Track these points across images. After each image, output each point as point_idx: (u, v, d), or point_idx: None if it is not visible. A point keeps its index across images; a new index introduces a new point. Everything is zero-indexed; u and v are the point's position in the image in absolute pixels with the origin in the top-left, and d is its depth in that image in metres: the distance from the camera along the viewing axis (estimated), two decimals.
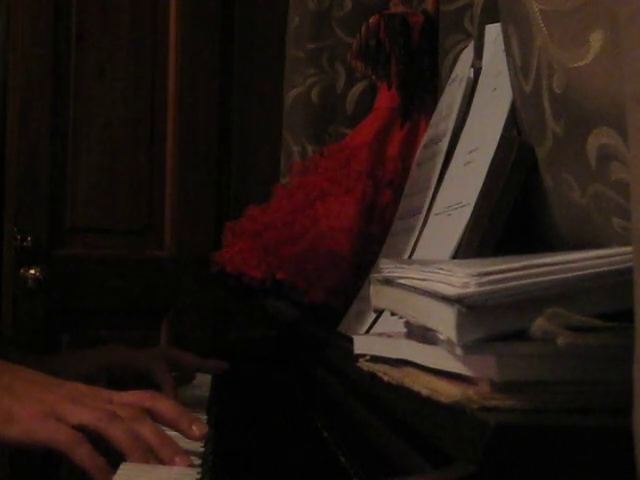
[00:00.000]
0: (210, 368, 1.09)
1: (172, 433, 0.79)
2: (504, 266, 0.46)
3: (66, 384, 0.83)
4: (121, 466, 0.74)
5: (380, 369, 0.59)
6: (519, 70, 0.68)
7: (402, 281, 0.56)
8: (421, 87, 1.16)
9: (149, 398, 0.81)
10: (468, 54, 0.97)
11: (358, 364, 0.64)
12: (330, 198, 1.08)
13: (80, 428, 0.75)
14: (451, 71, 1.03)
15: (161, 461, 0.74)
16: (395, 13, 1.19)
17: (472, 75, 0.94)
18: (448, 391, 0.47)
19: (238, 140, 2.27)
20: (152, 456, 0.74)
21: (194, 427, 0.78)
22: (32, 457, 2.03)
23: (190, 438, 0.78)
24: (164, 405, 0.80)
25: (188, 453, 0.76)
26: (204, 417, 0.93)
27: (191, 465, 0.75)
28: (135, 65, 2.20)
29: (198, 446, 0.80)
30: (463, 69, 0.97)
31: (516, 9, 0.66)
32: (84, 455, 0.74)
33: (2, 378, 0.80)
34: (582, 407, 0.44)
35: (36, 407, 0.77)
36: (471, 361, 0.46)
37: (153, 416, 0.79)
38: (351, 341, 0.67)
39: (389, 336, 0.61)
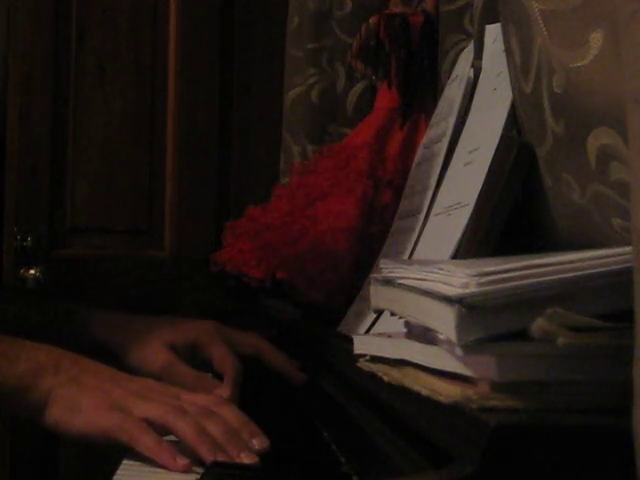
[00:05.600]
0: (291, 377, 1.00)
1: None
2: (504, 266, 0.46)
3: (135, 379, 0.82)
4: (121, 466, 0.74)
5: (380, 369, 0.59)
6: (519, 70, 0.68)
7: (402, 281, 0.56)
8: (421, 87, 1.16)
9: (217, 403, 0.80)
10: (468, 54, 0.97)
11: (358, 364, 0.64)
12: (330, 198, 1.08)
13: (146, 421, 0.75)
14: (451, 71, 1.03)
15: (228, 457, 0.74)
16: (395, 13, 1.19)
17: (472, 75, 0.94)
18: (448, 391, 0.47)
19: (238, 140, 2.27)
20: (219, 451, 0.74)
21: (254, 440, 0.77)
22: (32, 458, 2.03)
23: (250, 449, 0.76)
24: (230, 412, 0.79)
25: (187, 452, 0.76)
26: None
27: (255, 463, 0.74)
28: (135, 65, 2.20)
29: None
30: (463, 69, 0.97)
31: (516, 9, 0.66)
32: (149, 442, 0.73)
33: (71, 370, 0.80)
34: (582, 407, 0.44)
35: (102, 399, 0.77)
36: (471, 361, 0.46)
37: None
38: (351, 341, 0.67)
39: (389, 336, 0.61)
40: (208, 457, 0.73)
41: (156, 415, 0.75)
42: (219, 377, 0.98)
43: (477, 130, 0.86)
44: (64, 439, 0.79)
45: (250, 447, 0.76)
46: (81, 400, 0.77)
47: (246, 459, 0.74)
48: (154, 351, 0.97)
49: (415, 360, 0.54)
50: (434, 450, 0.48)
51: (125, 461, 0.75)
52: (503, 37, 0.74)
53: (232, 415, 0.79)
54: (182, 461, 0.72)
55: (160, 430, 0.75)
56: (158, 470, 0.73)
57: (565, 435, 0.42)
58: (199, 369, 0.98)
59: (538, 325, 0.42)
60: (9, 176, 2.10)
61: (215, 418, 0.77)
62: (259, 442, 0.77)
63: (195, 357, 0.99)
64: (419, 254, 0.88)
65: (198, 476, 0.72)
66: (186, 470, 0.72)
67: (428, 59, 1.15)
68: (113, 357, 0.98)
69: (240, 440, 0.76)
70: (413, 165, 1.05)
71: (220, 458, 0.73)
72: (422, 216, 0.92)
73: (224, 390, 0.93)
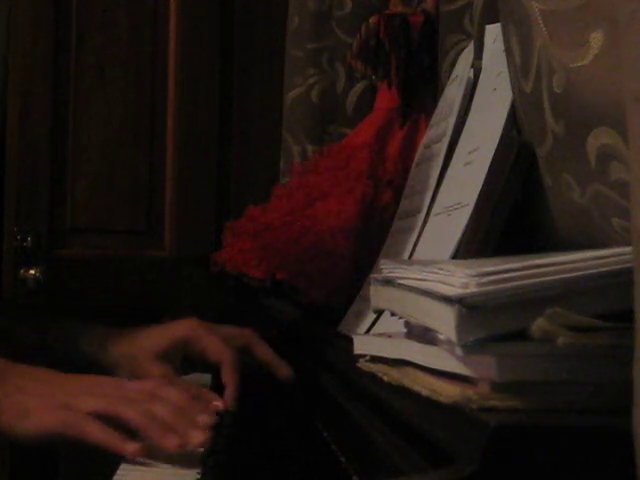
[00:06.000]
0: (278, 372, 1.00)
1: None
2: (504, 266, 0.46)
3: (76, 377, 0.84)
4: (121, 466, 0.74)
5: (380, 369, 0.59)
6: (519, 70, 0.68)
7: (402, 281, 0.56)
8: (421, 87, 1.16)
9: (161, 386, 0.82)
10: (468, 54, 0.97)
11: (358, 364, 0.64)
12: (330, 198, 1.08)
13: (94, 415, 0.76)
14: (451, 71, 1.03)
15: (179, 436, 0.74)
16: (395, 13, 1.19)
17: (472, 75, 0.94)
18: (448, 391, 0.47)
19: (238, 140, 2.27)
20: (170, 432, 0.75)
21: (200, 417, 0.78)
22: (32, 458, 2.03)
23: (198, 426, 0.77)
24: (174, 393, 0.80)
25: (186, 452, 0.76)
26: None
27: (206, 439, 0.75)
28: (135, 65, 2.20)
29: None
30: (463, 69, 0.97)
31: (516, 9, 0.66)
32: (96, 431, 0.74)
33: (16, 379, 0.81)
34: (582, 407, 0.44)
35: (48, 401, 0.78)
36: (471, 361, 0.46)
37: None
38: (351, 341, 0.67)
39: (389, 336, 0.61)
40: (160, 439, 0.74)
41: (102, 407, 0.77)
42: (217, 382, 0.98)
43: (477, 130, 0.86)
44: (18, 445, 0.80)
45: (197, 424, 0.77)
46: (28, 405, 0.78)
47: (196, 437, 0.75)
48: (146, 367, 0.97)
49: (415, 360, 0.54)
50: (434, 450, 0.48)
51: (125, 462, 0.76)
52: (503, 37, 0.74)
53: (177, 395, 0.80)
54: (132, 446, 0.73)
55: (110, 422, 0.76)
56: (158, 470, 0.74)
57: (565, 435, 0.42)
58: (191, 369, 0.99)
59: (538, 325, 0.42)
60: (9, 176, 2.09)
61: (161, 401, 0.78)
62: (206, 418, 0.78)
63: (187, 358, 0.99)
64: (419, 254, 0.88)
65: (198, 476, 0.72)
66: (136, 454, 0.73)
67: (428, 59, 1.15)
68: (105, 374, 0.98)
69: (187, 417, 0.77)
70: (413, 165, 1.05)
71: (171, 438, 0.74)
72: (422, 216, 0.92)
73: (227, 377, 0.94)
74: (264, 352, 1.01)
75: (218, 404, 0.83)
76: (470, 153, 0.84)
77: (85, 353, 1.02)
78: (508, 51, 0.72)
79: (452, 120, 0.93)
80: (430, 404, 0.48)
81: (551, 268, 0.46)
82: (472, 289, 0.45)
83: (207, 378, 1.12)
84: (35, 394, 0.79)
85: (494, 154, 0.75)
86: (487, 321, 0.44)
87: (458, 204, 0.80)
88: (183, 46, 2.22)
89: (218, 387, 1.06)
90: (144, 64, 2.20)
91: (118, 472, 0.73)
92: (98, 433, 0.74)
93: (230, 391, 0.94)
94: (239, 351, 0.99)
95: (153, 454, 0.75)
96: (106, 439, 0.74)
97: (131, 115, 2.19)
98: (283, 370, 0.99)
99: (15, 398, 0.79)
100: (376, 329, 0.84)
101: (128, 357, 0.99)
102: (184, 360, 0.99)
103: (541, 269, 0.46)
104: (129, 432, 0.76)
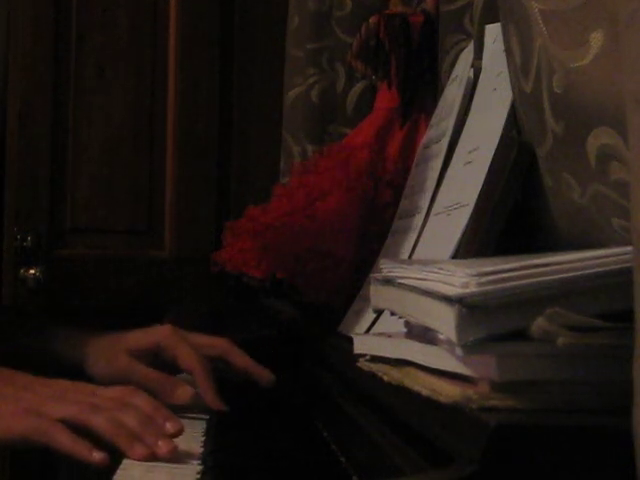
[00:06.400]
0: (260, 378, 0.97)
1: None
2: (504, 266, 0.46)
3: (48, 382, 0.83)
4: (121, 465, 0.74)
5: (380, 369, 0.59)
6: (519, 70, 0.68)
7: (402, 281, 0.56)
8: (421, 87, 1.16)
9: (129, 393, 0.82)
10: (468, 54, 0.97)
11: (358, 364, 0.64)
12: (330, 198, 1.08)
13: (62, 422, 0.76)
14: (451, 71, 1.03)
15: (146, 446, 0.75)
16: (395, 13, 1.19)
17: (472, 75, 0.94)
18: (448, 391, 0.47)
19: (238, 140, 2.27)
20: (137, 441, 0.75)
21: (168, 424, 0.78)
22: (31, 461, 2.03)
23: (165, 436, 0.77)
24: (142, 400, 0.80)
25: (186, 452, 0.77)
26: (204, 417, 0.93)
27: (174, 449, 0.75)
28: (135, 65, 2.20)
29: (197, 446, 0.80)
30: (463, 69, 0.97)
31: (516, 9, 0.66)
32: (63, 439, 0.74)
33: None
34: (582, 407, 0.44)
35: (18, 405, 0.78)
36: (471, 361, 0.46)
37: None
38: (351, 341, 0.67)
39: (389, 336, 0.61)
40: (127, 448, 0.74)
41: (71, 414, 0.77)
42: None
43: (477, 130, 0.86)
44: None
45: (165, 432, 0.77)
46: None
47: (164, 447, 0.75)
48: (115, 360, 0.98)
49: (415, 360, 0.54)
50: (434, 450, 0.48)
51: (125, 461, 0.76)
52: (503, 37, 0.74)
53: (144, 402, 0.80)
54: (99, 455, 0.73)
55: (78, 429, 0.76)
56: (158, 470, 0.73)
57: (565, 435, 0.42)
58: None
59: (538, 325, 0.42)
60: (9, 176, 2.09)
61: (129, 409, 0.78)
62: (173, 425, 0.78)
63: (159, 364, 0.99)
64: (419, 254, 0.88)
65: (198, 476, 0.72)
66: (103, 463, 0.73)
67: (428, 59, 1.15)
68: (77, 371, 0.99)
69: (156, 427, 0.77)
70: (413, 165, 1.05)
71: (138, 448, 0.74)
72: (422, 216, 0.92)
73: (201, 384, 0.94)
74: (241, 360, 0.99)
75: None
76: (470, 153, 0.84)
77: (59, 352, 1.02)
78: (508, 51, 0.72)
79: (452, 120, 0.93)
80: (430, 404, 0.48)
81: (551, 268, 0.46)
82: (472, 289, 0.45)
83: None
84: (5, 396, 0.79)
85: (494, 154, 0.75)
86: (487, 321, 0.44)
87: (458, 204, 0.80)
88: (183, 46, 2.22)
89: (218, 386, 1.06)
90: (144, 64, 2.20)
91: (118, 472, 0.73)
92: (66, 441, 0.74)
93: (210, 400, 0.93)
94: (214, 360, 0.99)
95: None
96: (73, 447, 0.74)
97: (131, 115, 2.19)
98: (264, 375, 0.98)
99: None
100: (376, 329, 0.84)
101: (101, 355, 1.00)
102: (157, 364, 0.99)
103: (541, 269, 0.46)
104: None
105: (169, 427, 0.78)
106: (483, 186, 0.75)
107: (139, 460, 0.74)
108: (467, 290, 0.45)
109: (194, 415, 0.92)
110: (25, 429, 0.76)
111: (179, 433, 0.78)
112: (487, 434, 0.41)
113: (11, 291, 2.08)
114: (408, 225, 0.96)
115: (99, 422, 0.76)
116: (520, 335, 0.44)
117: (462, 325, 0.44)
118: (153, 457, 0.75)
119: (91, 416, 0.76)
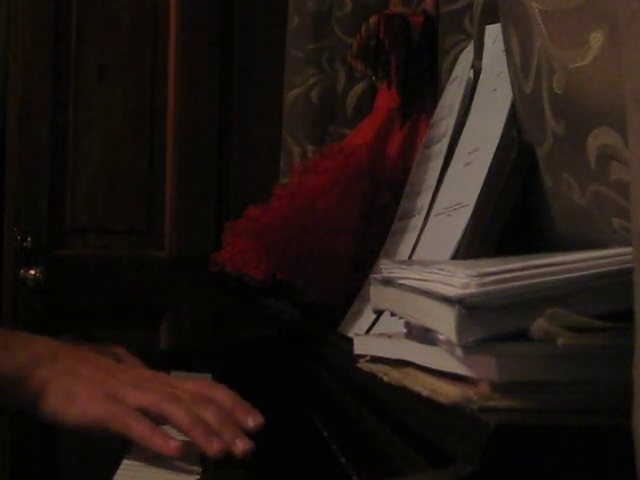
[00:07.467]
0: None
1: None
2: (504, 266, 0.46)
3: (130, 369, 0.83)
4: (121, 466, 0.74)
5: (380, 369, 0.59)
6: (519, 70, 0.68)
7: (402, 281, 0.56)
8: (421, 87, 1.16)
9: (209, 387, 0.81)
10: (468, 54, 0.97)
11: (358, 364, 0.63)
12: (330, 198, 1.08)
13: (140, 410, 0.75)
14: (451, 71, 1.03)
15: (223, 442, 0.74)
16: (395, 13, 1.19)
17: (472, 75, 0.94)
18: (448, 392, 0.47)
19: (238, 140, 2.27)
20: (214, 437, 0.74)
21: (249, 418, 0.77)
22: (32, 458, 2.03)
23: (245, 428, 0.77)
24: (222, 394, 0.80)
25: (187, 452, 0.76)
26: None
27: (250, 448, 0.74)
28: (135, 65, 2.20)
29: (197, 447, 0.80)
30: (463, 69, 0.97)
31: (516, 9, 0.66)
32: (140, 428, 0.74)
33: (67, 360, 0.81)
34: (582, 407, 0.44)
35: (97, 389, 0.77)
36: (471, 361, 0.46)
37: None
38: (351, 341, 0.67)
39: (389, 336, 0.61)
40: (204, 443, 0.74)
41: (150, 403, 0.76)
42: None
43: (477, 130, 0.86)
44: (61, 429, 0.79)
45: (245, 426, 0.76)
46: (76, 390, 0.77)
47: (241, 445, 0.74)
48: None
49: (415, 360, 0.54)
50: (434, 450, 0.48)
51: (125, 461, 0.76)
52: (503, 37, 0.74)
53: (224, 396, 0.79)
54: (175, 443, 0.72)
55: (155, 419, 0.76)
56: (158, 470, 0.73)
57: (565, 435, 0.42)
58: None
59: (538, 326, 0.42)
60: (9, 176, 2.10)
61: (209, 403, 0.78)
62: (254, 419, 0.77)
63: None
64: (419, 254, 0.88)
65: (198, 476, 0.72)
66: (178, 452, 0.72)
67: (428, 59, 1.15)
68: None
69: (234, 424, 0.76)
70: (413, 165, 1.05)
71: (215, 444, 0.74)
72: (422, 216, 0.92)
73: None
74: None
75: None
76: (470, 153, 0.84)
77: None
78: (508, 51, 0.72)
79: (452, 120, 0.93)
80: (430, 404, 0.48)
81: (551, 268, 0.46)
82: (472, 289, 0.45)
83: (207, 378, 1.12)
84: (85, 378, 0.78)
85: (494, 154, 0.75)
86: (487, 321, 0.44)
87: (458, 204, 0.80)
88: (183, 46, 2.22)
89: None
90: (144, 64, 2.20)
91: (118, 472, 0.73)
92: (142, 430, 0.73)
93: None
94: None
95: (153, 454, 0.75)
96: (150, 437, 0.73)
97: (131, 115, 2.19)
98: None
99: (65, 381, 0.78)
100: (376, 329, 0.84)
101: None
102: None
103: (541, 269, 0.46)
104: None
105: (250, 421, 0.77)
106: (483, 186, 0.75)
107: (214, 456, 0.73)
108: (467, 291, 0.45)
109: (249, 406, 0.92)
110: (102, 414, 0.75)
111: (260, 426, 0.77)
112: (487, 434, 0.41)
113: (11, 291, 2.08)
114: (408, 225, 0.96)
115: (178, 414, 0.75)
116: (520, 336, 0.44)
117: (462, 326, 0.44)
118: (229, 453, 0.73)
119: (171, 407, 0.76)
